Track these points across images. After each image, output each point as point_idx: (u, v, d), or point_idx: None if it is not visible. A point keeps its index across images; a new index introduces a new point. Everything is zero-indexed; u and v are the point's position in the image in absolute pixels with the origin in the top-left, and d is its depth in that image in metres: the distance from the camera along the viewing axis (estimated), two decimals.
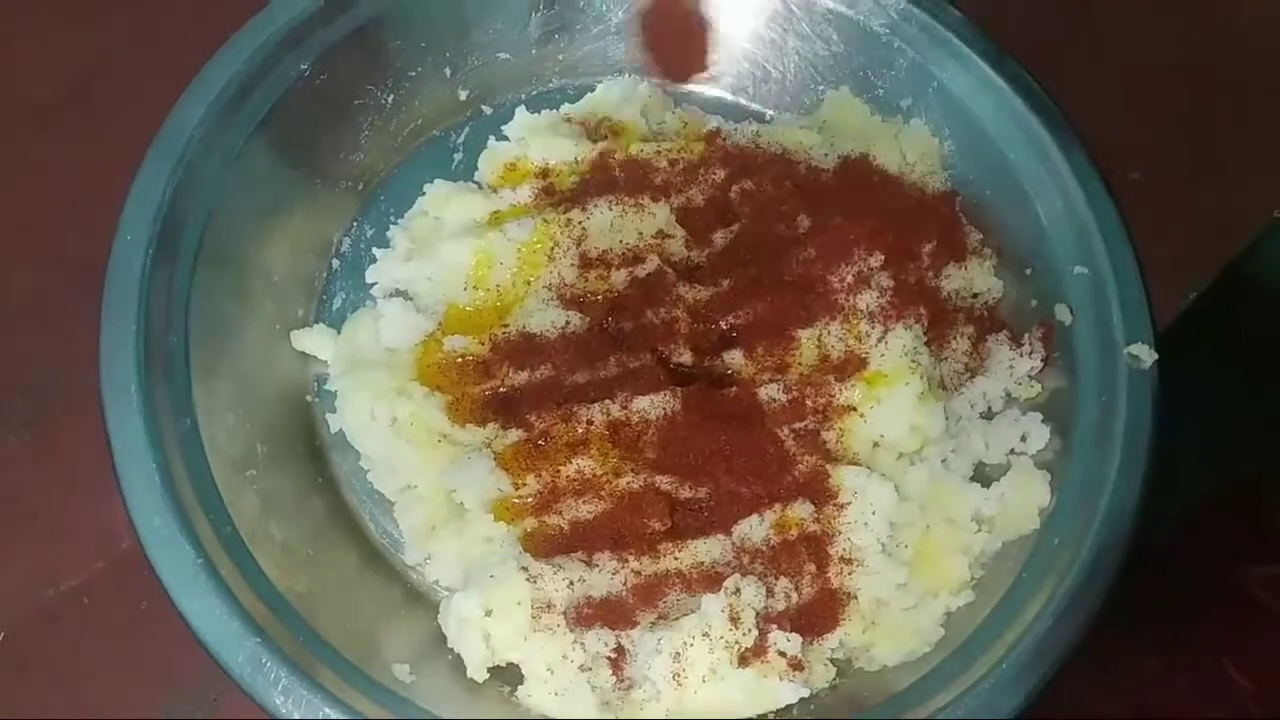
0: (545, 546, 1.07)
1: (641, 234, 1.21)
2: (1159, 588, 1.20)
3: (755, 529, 1.08)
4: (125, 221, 1.09)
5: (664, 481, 1.10)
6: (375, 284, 1.24)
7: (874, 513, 1.10)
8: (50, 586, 1.10)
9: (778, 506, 1.09)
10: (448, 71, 1.33)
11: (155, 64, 1.24)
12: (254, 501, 1.05)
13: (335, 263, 1.27)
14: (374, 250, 1.25)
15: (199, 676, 1.08)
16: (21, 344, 1.20)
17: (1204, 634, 1.25)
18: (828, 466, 1.12)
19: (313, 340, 1.19)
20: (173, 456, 1.01)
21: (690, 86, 1.40)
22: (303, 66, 1.21)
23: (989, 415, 1.20)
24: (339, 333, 1.20)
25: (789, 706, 1.03)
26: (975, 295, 1.25)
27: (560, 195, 1.23)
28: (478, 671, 1.02)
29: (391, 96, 1.30)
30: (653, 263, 1.20)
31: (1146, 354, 1.13)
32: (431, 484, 1.10)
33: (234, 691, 1.06)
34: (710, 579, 1.06)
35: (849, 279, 1.19)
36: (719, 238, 1.23)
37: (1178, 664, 1.24)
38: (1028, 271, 1.25)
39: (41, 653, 1.08)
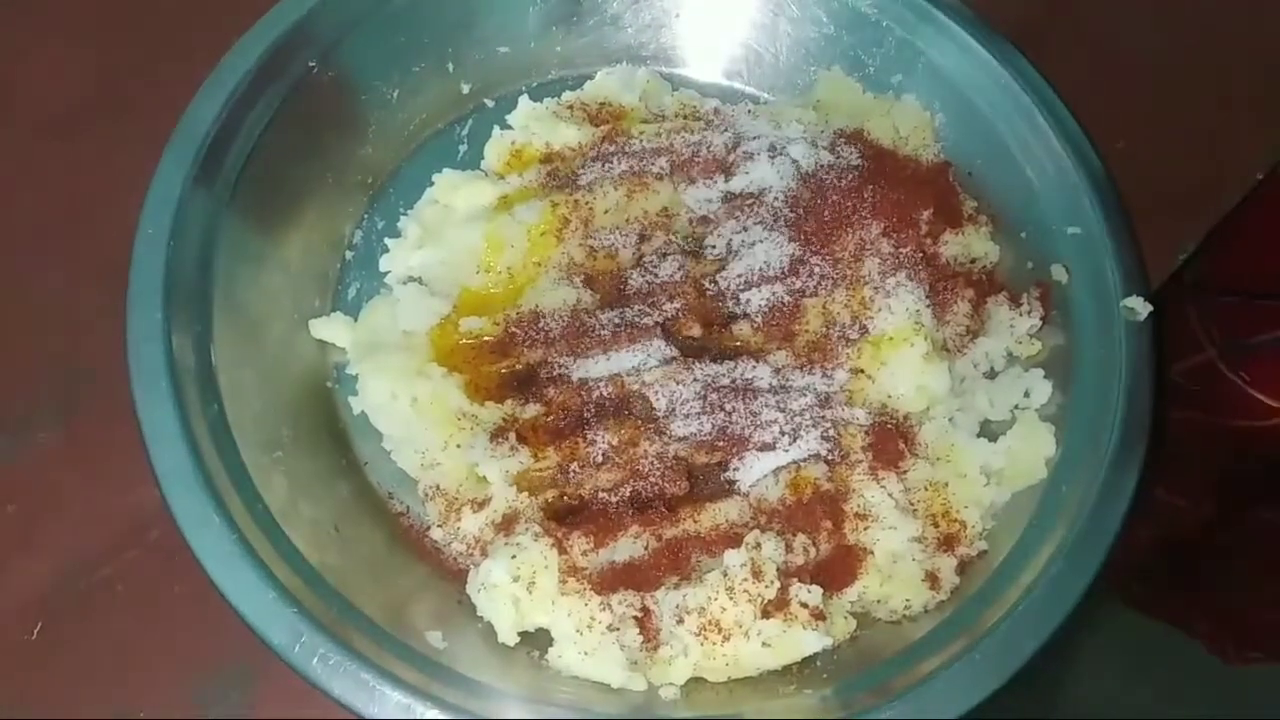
0: (567, 515, 1.10)
1: (647, 212, 1.25)
2: None
3: (771, 489, 1.11)
4: (145, 217, 1.12)
5: (680, 448, 1.13)
6: (389, 272, 1.26)
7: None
8: (85, 576, 1.12)
9: (792, 467, 1.12)
10: (450, 66, 1.37)
11: (167, 70, 1.28)
12: (283, 482, 1.08)
13: (348, 255, 1.30)
14: (386, 240, 1.28)
15: (232, 658, 1.10)
16: (49, 344, 1.23)
17: None
18: (838, 428, 1.15)
19: (330, 328, 1.22)
20: (203, 441, 1.04)
21: (686, 73, 1.44)
22: (311, 64, 1.25)
23: (992, 374, 1.24)
24: (356, 320, 1.22)
25: (812, 658, 1.05)
26: (973, 260, 1.29)
27: (566, 178, 1.27)
28: (508, 636, 1.04)
29: (397, 91, 1.34)
30: (659, 239, 1.24)
31: (1141, 306, 1.17)
32: (454, 460, 1.13)
33: (266, 673, 1.10)
34: (729, 539, 1.09)
35: (851, 247, 1.22)
36: (723, 213, 1.26)
37: None
38: (1023, 235, 1.29)
39: (78, 639, 1.10)
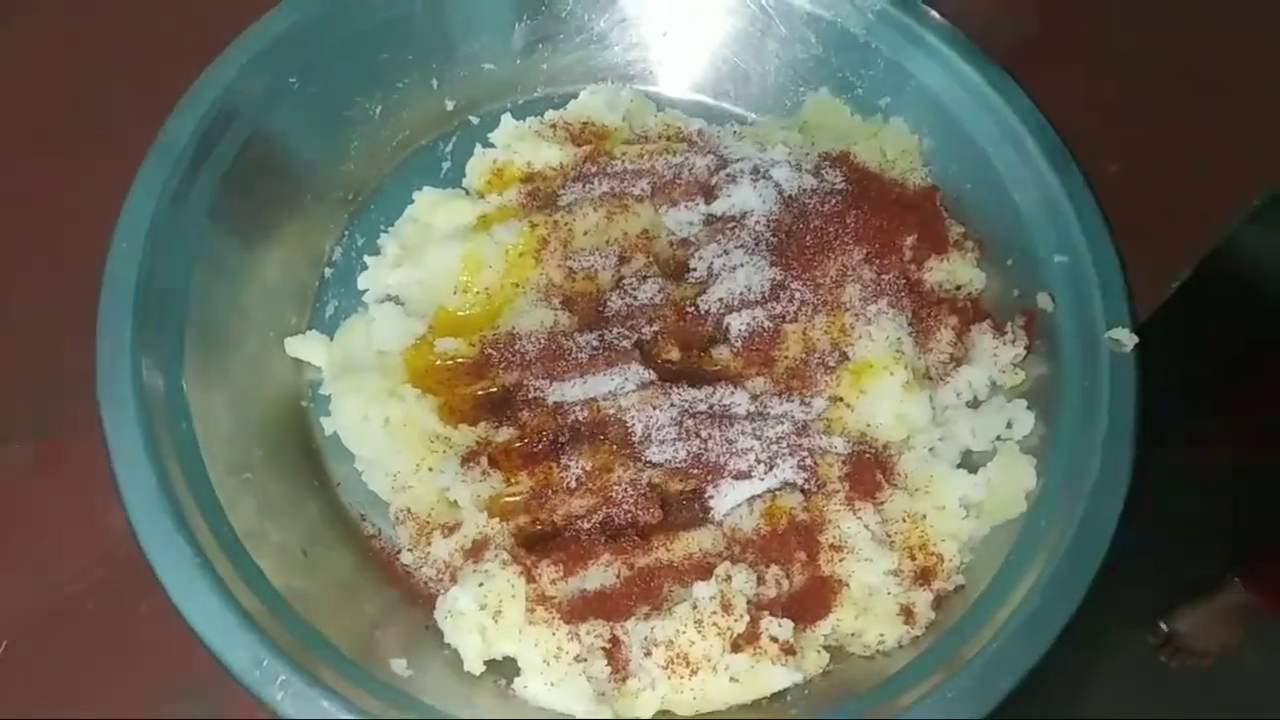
0: (538, 542, 1.09)
1: (627, 234, 1.23)
2: None
3: (745, 519, 1.10)
4: (119, 232, 1.11)
5: (655, 475, 1.12)
6: (367, 290, 1.25)
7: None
8: (53, 593, 1.11)
9: (768, 496, 1.10)
10: (434, 83, 1.36)
11: (146, 82, 1.26)
12: (251, 503, 1.07)
13: (328, 271, 1.29)
14: (365, 258, 1.27)
15: (200, 679, 1.08)
16: (22, 358, 1.22)
17: None
18: (815, 457, 1.13)
19: (306, 347, 1.20)
20: (169, 460, 1.02)
21: (672, 92, 1.43)
22: (291, 80, 1.24)
23: (975, 404, 1.22)
24: (332, 339, 1.21)
25: (783, 692, 1.04)
26: (958, 287, 1.27)
27: (546, 198, 1.25)
28: (474, 665, 1.03)
29: (379, 108, 1.33)
30: (639, 261, 1.22)
31: (1127, 338, 1.15)
32: (425, 483, 1.11)
33: (236, 693, 1.09)
34: (702, 569, 1.07)
35: (833, 273, 1.21)
36: (704, 236, 1.25)
37: None
38: (1009, 262, 1.27)
39: (45, 658, 1.09)
